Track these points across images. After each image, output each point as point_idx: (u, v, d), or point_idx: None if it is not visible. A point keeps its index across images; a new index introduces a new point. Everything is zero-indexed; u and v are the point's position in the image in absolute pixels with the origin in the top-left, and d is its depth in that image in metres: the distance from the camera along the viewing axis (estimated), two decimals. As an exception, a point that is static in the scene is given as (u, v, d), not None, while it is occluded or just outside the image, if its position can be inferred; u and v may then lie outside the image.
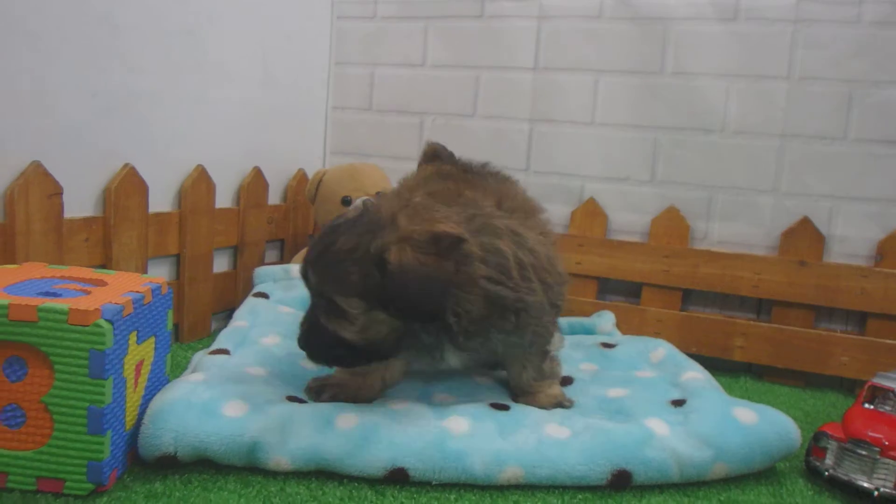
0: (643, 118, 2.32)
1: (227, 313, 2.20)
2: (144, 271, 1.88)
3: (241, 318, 1.92)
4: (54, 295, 1.21)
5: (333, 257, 1.32)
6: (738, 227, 2.26)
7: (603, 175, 2.38)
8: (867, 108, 2.10)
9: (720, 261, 2.23)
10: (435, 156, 1.82)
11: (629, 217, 2.36)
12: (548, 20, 2.40)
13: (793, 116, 2.18)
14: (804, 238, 2.16)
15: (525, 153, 2.46)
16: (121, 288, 1.29)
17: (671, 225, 2.29)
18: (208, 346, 1.85)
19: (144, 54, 1.83)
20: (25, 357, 1.15)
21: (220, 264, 2.20)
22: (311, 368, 1.58)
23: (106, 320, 1.15)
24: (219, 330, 1.95)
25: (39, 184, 1.57)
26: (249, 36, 2.24)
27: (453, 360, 1.49)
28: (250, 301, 2.05)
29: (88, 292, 1.25)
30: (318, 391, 1.52)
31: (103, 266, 1.76)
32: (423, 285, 1.28)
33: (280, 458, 1.29)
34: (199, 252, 2.07)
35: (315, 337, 1.40)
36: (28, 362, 1.16)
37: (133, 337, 1.24)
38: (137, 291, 1.27)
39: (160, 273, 1.98)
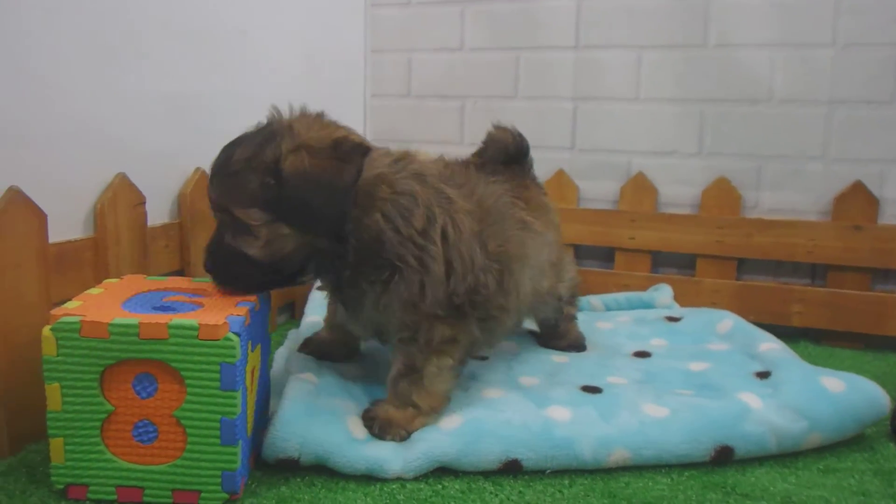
0: (688, 91, 2.35)
1: (289, 306, 2.27)
2: None
3: (313, 313, 1.94)
4: (169, 309, 1.23)
5: (232, 168, 1.27)
6: (789, 195, 2.29)
7: (650, 150, 2.41)
8: (914, 71, 2.13)
9: (774, 229, 2.26)
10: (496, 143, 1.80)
11: (679, 190, 2.39)
12: (587, -2, 2.42)
13: (838, 83, 2.20)
14: (857, 202, 2.19)
15: (570, 132, 2.48)
16: (227, 297, 1.31)
17: (722, 196, 2.32)
18: (278, 341, 1.92)
19: (203, 56, 1.86)
20: (155, 373, 1.17)
21: None
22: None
23: (234, 333, 1.16)
24: (283, 325, 2.02)
25: (125, 195, 1.59)
26: (293, 31, 2.26)
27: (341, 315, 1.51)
28: (317, 294, 2.05)
29: (201, 304, 1.26)
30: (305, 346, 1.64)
31: (181, 271, 1.81)
32: (320, 191, 1.24)
33: (399, 472, 1.30)
34: None
35: (220, 257, 1.32)
36: (158, 378, 1.17)
37: (248, 346, 1.25)
38: (248, 300, 1.29)
39: None
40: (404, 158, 1.41)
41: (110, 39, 1.56)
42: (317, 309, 1.94)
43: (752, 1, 2.24)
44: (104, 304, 1.23)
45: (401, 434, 1.36)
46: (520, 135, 1.80)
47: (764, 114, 2.27)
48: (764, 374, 1.62)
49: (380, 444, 1.34)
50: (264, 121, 1.37)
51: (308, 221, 1.27)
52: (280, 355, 1.75)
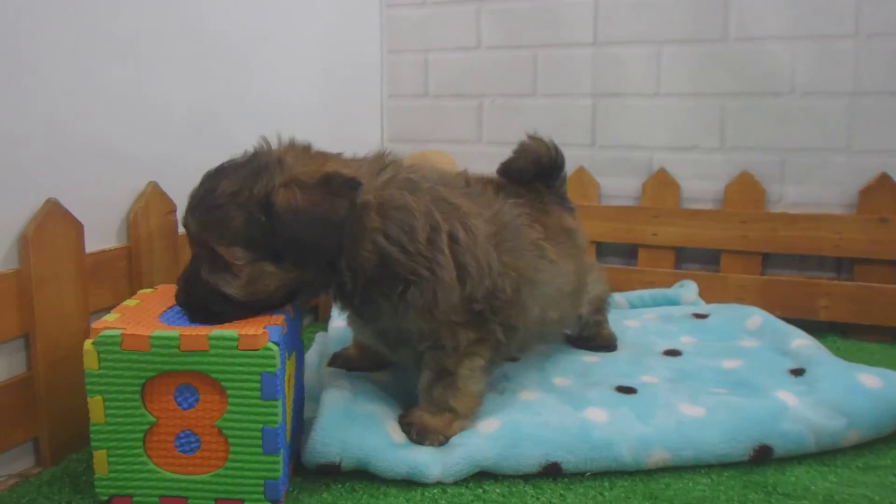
0: (709, 86, 2.33)
1: (313, 309, 2.26)
2: None
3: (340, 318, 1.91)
4: None
5: (215, 202, 1.21)
6: (813, 188, 2.27)
7: (671, 145, 2.39)
8: (939, 60, 2.11)
9: (799, 223, 2.24)
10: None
11: (701, 185, 2.38)
12: (604, -6, 2.41)
13: (861, 74, 2.18)
14: (883, 194, 2.17)
15: (589, 128, 2.47)
16: None
17: (745, 190, 2.30)
18: (305, 344, 1.88)
19: (226, 63, 1.86)
20: (196, 384, 1.18)
21: None
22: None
23: (274, 343, 1.16)
24: (308, 326, 2.02)
25: (157, 203, 1.60)
26: (311, 35, 2.26)
27: (359, 331, 1.50)
28: None
29: None
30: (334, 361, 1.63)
31: None
32: (313, 228, 1.19)
33: (439, 476, 1.30)
34: None
35: (195, 293, 1.25)
36: (199, 389, 1.18)
37: (285, 354, 1.25)
38: (284, 309, 1.29)
39: None
40: (390, 167, 1.37)
41: (138, 49, 1.57)
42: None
43: (773, -8, 2.22)
44: (142, 317, 1.23)
45: (439, 440, 1.37)
46: (556, 148, 1.76)
47: (786, 106, 2.26)
48: (798, 371, 1.61)
49: (420, 448, 1.34)
50: (250, 149, 1.33)
51: (301, 257, 1.23)
52: (310, 359, 1.75)
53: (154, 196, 1.59)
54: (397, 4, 2.66)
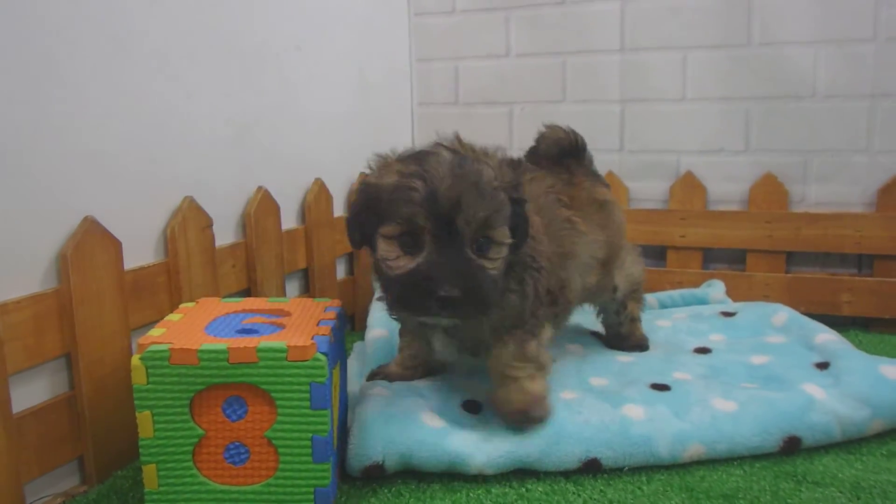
0: (734, 90, 2.41)
1: (349, 318, 2.32)
2: (283, 289, 1.95)
3: (378, 326, 1.96)
4: (252, 332, 1.27)
5: (488, 187, 1.25)
6: (835, 188, 2.35)
7: (698, 148, 2.47)
8: (956, 62, 2.19)
9: (821, 221, 2.32)
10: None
11: (727, 187, 2.46)
12: (631, 1, 2.49)
13: (881, 76, 2.26)
14: (903, 193, 2.25)
15: (618, 133, 2.55)
16: (308, 316, 1.34)
17: (769, 191, 2.38)
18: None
19: (262, 75, 1.90)
20: (245, 396, 1.20)
21: (339, 272, 2.29)
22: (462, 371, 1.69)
23: (322, 353, 1.19)
24: (348, 339, 2.03)
25: (194, 218, 1.62)
26: (344, 44, 2.32)
27: (443, 343, 1.51)
28: (378, 305, 2.01)
29: (282, 325, 1.30)
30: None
31: (248, 290, 1.83)
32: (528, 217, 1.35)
33: (481, 466, 1.34)
34: (324, 263, 2.14)
35: (469, 281, 1.24)
36: (248, 400, 1.20)
37: (333, 364, 1.28)
38: (329, 318, 1.32)
39: (292, 288, 2.05)
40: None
41: (174, 64, 1.61)
42: (381, 321, 1.97)
43: (794, -1, 2.30)
44: (188, 330, 1.25)
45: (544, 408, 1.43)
46: (573, 131, 1.84)
47: (808, 109, 2.33)
48: (823, 365, 1.68)
49: (462, 435, 1.38)
50: (414, 145, 1.42)
51: (524, 238, 1.35)
52: (351, 368, 1.78)
53: (191, 210, 1.61)
54: (426, 13, 2.74)
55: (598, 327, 2.03)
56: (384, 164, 1.34)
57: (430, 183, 1.23)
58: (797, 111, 2.34)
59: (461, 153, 1.29)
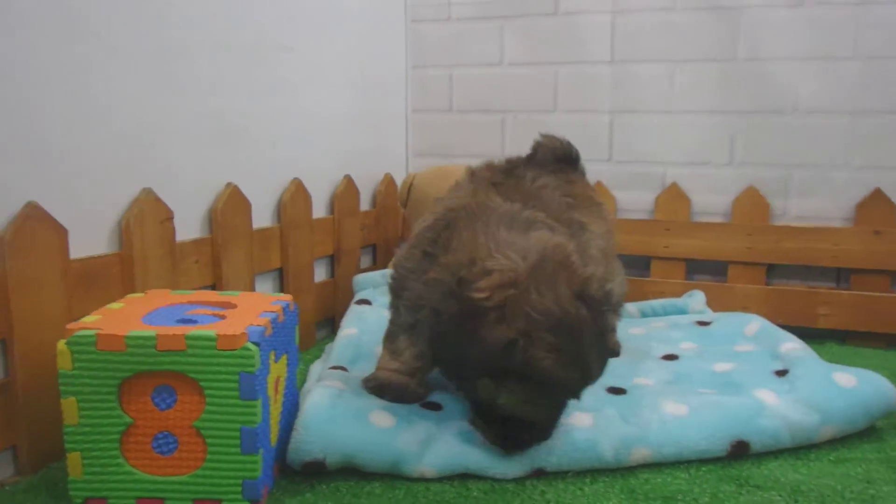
0: (720, 104, 2.46)
1: (329, 322, 2.35)
2: (252, 287, 1.93)
3: (349, 326, 1.97)
4: (191, 321, 1.24)
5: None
6: (815, 202, 2.39)
7: (684, 160, 2.52)
8: (932, 82, 2.24)
9: (801, 235, 2.37)
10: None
11: (711, 199, 2.50)
12: (622, 14, 2.53)
13: (862, 94, 2.31)
14: (878, 208, 2.30)
15: (607, 144, 2.59)
16: (252, 308, 1.32)
17: (752, 204, 2.43)
18: (317, 355, 1.99)
19: (248, 73, 1.91)
20: (174, 385, 1.18)
21: (319, 274, 2.27)
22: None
23: (253, 343, 1.17)
24: (323, 339, 2.08)
25: (152, 210, 1.59)
26: (338, 47, 2.35)
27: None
28: (355, 308, 2.11)
29: (223, 316, 1.27)
30: (380, 391, 1.52)
31: (213, 286, 1.81)
32: None
33: (424, 468, 1.34)
34: (301, 264, 2.13)
35: None
36: (177, 389, 1.18)
37: (272, 356, 1.27)
38: (271, 311, 1.30)
39: (265, 288, 2.05)
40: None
41: (159, 56, 1.62)
42: (353, 322, 2.00)
43: (780, 15, 2.35)
44: (124, 318, 1.24)
45: None
46: (568, 142, 1.90)
47: (791, 124, 2.38)
48: (782, 373, 1.71)
49: (410, 437, 1.37)
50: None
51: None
52: (314, 369, 1.81)
53: (149, 202, 1.58)
54: (423, 20, 2.78)
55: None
56: None
57: None
58: (780, 126, 2.39)
59: None
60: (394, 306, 1.55)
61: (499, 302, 1.26)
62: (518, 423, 1.33)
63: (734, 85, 2.43)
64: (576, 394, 1.32)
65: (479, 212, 1.46)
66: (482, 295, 1.27)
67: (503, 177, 1.67)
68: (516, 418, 1.32)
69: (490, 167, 1.72)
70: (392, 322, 1.56)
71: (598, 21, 2.56)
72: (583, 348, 1.26)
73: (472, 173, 1.71)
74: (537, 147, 1.90)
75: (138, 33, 1.58)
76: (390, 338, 1.57)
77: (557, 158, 1.88)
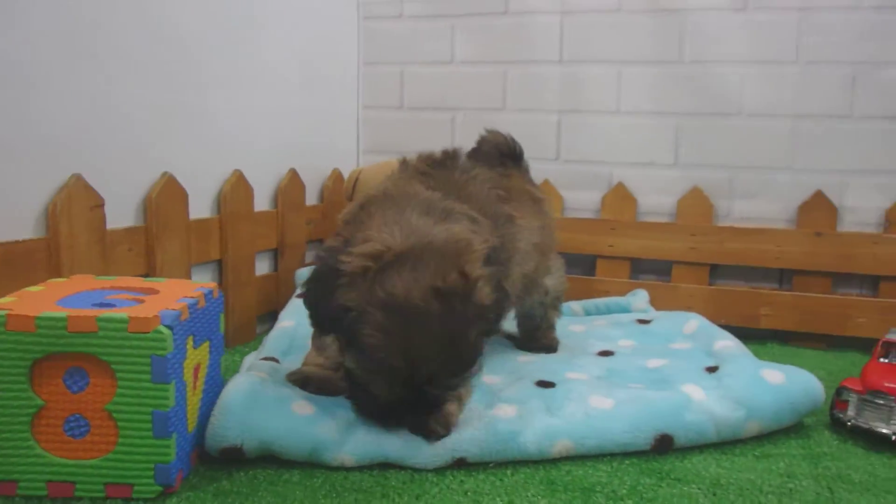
0: (665, 105, 2.48)
1: (271, 316, 2.31)
2: (189, 277, 1.90)
3: (287, 318, 1.98)
4: (109, 305, 1.22)
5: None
6: (758, 204, 2.41)
7: (630, 161, 2.53)
8: (871, 87, 2.27)
9: (744, 236, 2.39)
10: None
11: (657, 199, 2.52)
12: (570, 15, 2.54)
13: (803, 98, 2.33)
14: (819, 210, 2.32)
15: (555, 143, 2.60)
16: (173, 294, 1.30)
17: (696, 204, 2.44)
18: (255, 349, 1.96)
19: (186, 64, 1.89)
20: (86, 367, 1.16)
21: (262, 267, 2.25)
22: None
23: (165, 326, 1.16)
24: (264, 333, 2.06)
25: (81, 196, 1.56)
26: (283, 41, 2.33)
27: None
28: (295, 301, 2.10)
29: (142, 301, 1.26)
30: (303, 383, 1.51)
31: (146, 275, 1.77)
32: None
33: (344, 455, 1.33)
34: (241, 256, 2.10)
35: None
36: (89, 372, 1.16)
37: (190, 341, 1.25)
38: (191, 297, 1.29)
39: (203, 279, 2.01)
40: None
41: (90, 44, 1.58)
42: (291, 314, 1.99)
43: (724, 19, 2.37)
44: (39, 300, 1.22)
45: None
46: (512, 139, 1.96)
47: (735, 127, 2.40)
48: (713, 369, 1.72)
49: (329, 425, 1.36)
50: None
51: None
52: (247, 360, 1.78)
53: (77, 188, 1.55)
54: (375, 17, 2.78)
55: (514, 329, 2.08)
56: None
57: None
58: (724, 128, 2.41)
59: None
60: None
61: (355, 270, 1.27)
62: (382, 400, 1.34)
63: (679, 87, 2.44)
64: (409, 385, 1.30)
65: (398, 197, 1.46)
66: (346, 259, 1.28)
67: (433, 167, 1.68)
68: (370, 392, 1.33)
69: (424, 158, 1.73)
70: None
71: (548, 21, 2.57)
72: (413, 339, 1.25)
73: (404, 162, 1.73)
74: (482, 141, 1.94)
75: (64, 15, 1.56)
76: (316, 333, 1.56)
77: (502, 153, 1.93)
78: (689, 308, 2.39)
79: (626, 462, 1.45)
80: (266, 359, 1.69)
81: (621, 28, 2.48)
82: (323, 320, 1.37)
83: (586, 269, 2.59)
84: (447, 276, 1.28)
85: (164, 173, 1.84)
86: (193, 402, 1.32)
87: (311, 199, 2.53)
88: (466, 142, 2.42)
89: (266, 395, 1.40)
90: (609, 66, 2.52)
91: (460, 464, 1.39)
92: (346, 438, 1.37)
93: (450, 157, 1.75)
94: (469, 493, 1.30)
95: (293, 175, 2.38)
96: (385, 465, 1.38)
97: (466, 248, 1.34)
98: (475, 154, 1.88)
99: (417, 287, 1.25)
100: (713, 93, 2.41)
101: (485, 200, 1.62)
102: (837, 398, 1.63)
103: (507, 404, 1.51)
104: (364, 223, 1.39)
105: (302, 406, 1.41)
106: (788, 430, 1.60)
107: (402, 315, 1.24)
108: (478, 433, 1.40)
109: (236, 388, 1.39)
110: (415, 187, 1.52)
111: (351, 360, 1.33)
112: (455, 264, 1.30)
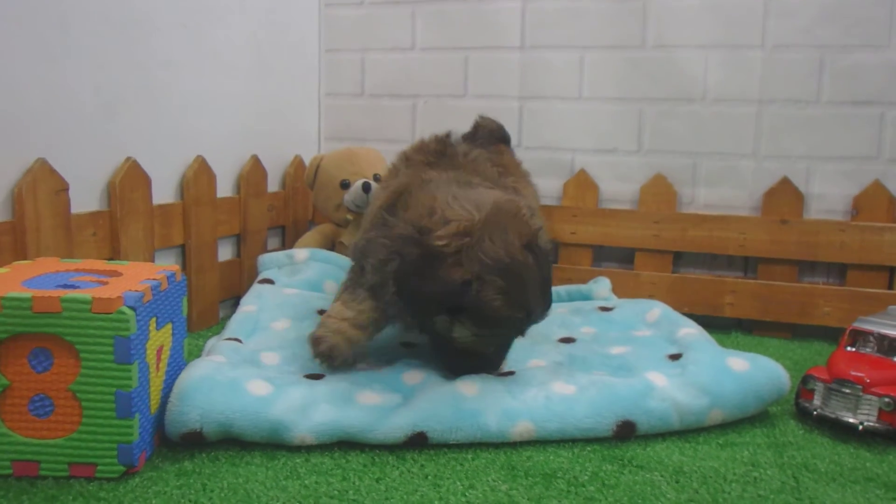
0: (628, 91, 2.44)
1: (234, 301, 2.29)
2: (152, 261, 1.90)
3: (248, 303, 1.97)
4: (73, 287, 1.25)
5: None
6: (723, 191, 2.38)
7: (592, 147, 2.49)
8: (837, 71, 2.23)
9: (707, 223, 2.35)
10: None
11: (619, 186, 2.48)
12: (532, 0, 2.51)
13: (768, 83, 2.30)
14: (784, 197, 2.29)
15: (516, 129, 2.56)
16: (137, 277, 1.33)
17: (659, 192, 2.41)
18: (218, 333, 1.93)
19: (141, 48, 1.88)
20: (51, 347, 1.19)
21: (224, 253, 2.27)
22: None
23: (129, 307, 1.19)
24: (227, 318, 2.04)
25: (46, 180, 1.58)
26: (241, 27, 2.30)
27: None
28: (256, 287, 2.11)
29: (106, 283, 1.28)
30: (328, 356, 1.55)
31: (111, 259, 1.78)
32: None
33: (304, 434, 1.35)
34: (204, 241, 2.12)
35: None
36: (53, 352, 1.19)
37: (153, 323, 1.28)
38: (154, 279, 1.31)
39: (167, 264, 1.95)
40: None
41: (40, 31, 1.59)
42: (253, 299, 2.00)
43: (687, 3, 2.33)
44: (4, 281, 1.25)
45: None
46: (502, 125, 2.17)
47: (699, 113, 2.37)
48: (676, 356, 1.69)
49: (287, 404, 1.38)
50: None
51: None
52: (209, 343, 1.79)
53: (43, 173, 1.57)
54: (336, 4, 2.74)
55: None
56: None
57: None
58: (688, 114, 2.37)
59: None
60: (355, 272, 1.65)
61: (456, 248, 1.42)
62: (469, 355, 1.52)
63: (642, 72, 2.41)
64: (521, 331, 1.54)
65: (428, 182, 1.60)
66: (441, 242, 1.42)
67: (436, 157, 1.80)
68: (468, 351, 1.51)
69: (422, 150, 1.86)
70: (353, 281, 1.64)
71: (509, 6, 2.53)
72: (527, 291, 1.45)
73: (407, 158, 1.86)
74: (477, 127, 2.09)
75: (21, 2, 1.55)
76: (350, 289, 1.64)
77: (496, 138, 2.06)
78: (651, 296, 2.37)
79: (588, 448, 1.42)
80: (230, 339, 1.69)
81: (583, 13, 2.44)
82: (430, 303, 1.47)
83: (548, 258, 2.54)
84: (522, 233, 1.47)
85: (128, 158, 1.84)
86: (156, 383, 1.34)
87: (272, 185, 2.52)
88: (427, 128, 2.41)
89: (222, 378, 1.40)
90: (571, 51, 2.48)
91: (420, 438, 1.39)
92: (304, 417, 1.38)
93: (445, 144, 1.87)
94: (430, 477, 1.29)
95: (255, 161, 2.36)
96: (347, 447, 1.38)
97: (519, 208, 1.51)
98: (471, 137, 2.03)
99: (512, 248, 1.43)
100: (677, 78, 2.37)
101: (491, 176, 1.78)
102: (803, 387, 1.61)
103: (468, 382, 1.51)
104: (413, 202, 1.53)
105: (258, 386, 1.42)
106: (753, 419, 1.58)
107: (514, 274, 1.43)
108: (439, 408, 1.41)
109: (193, 373, 1.39)
110: (429, 173, 1.66)
111: (464, 329, 1.48)
112: (522, 222, 1.49)
